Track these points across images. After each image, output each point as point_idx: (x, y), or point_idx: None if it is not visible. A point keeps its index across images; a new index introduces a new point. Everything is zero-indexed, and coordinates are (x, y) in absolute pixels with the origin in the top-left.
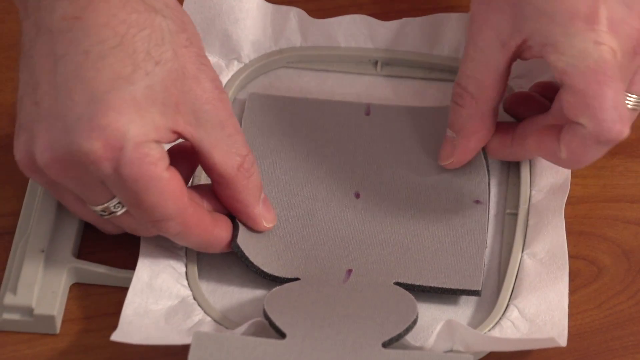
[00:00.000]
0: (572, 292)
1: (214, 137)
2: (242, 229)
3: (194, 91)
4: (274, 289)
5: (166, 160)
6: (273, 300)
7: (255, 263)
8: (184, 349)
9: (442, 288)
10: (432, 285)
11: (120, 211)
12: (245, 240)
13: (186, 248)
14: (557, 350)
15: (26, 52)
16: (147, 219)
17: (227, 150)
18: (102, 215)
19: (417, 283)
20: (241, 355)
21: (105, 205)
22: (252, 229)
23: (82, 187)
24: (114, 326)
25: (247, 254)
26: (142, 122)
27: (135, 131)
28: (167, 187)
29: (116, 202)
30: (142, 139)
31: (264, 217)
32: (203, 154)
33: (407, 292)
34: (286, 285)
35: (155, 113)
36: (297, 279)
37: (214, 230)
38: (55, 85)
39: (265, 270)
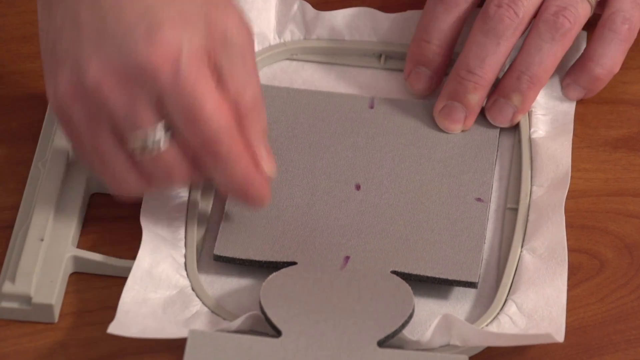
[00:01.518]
0: (574, 285)
1: (235, 66)
2: (219, 236)
3: (227, 19)
4: (270, 277)
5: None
6: (269, 291)
7: (245, 258)
8: (184, 343)
9: (439, 278)
10: (429, 275)
11: (162, 139)
12: (225, 244)
13: (185, 238)
14: (560, 344)
15: None
16: (199, 139)
17: (243, 81)
18: (142, 149)
19: (414, 272)
20: (237, 354)
21: (149, 133)
22: (252, 182)
23: (130, 107)
24: (114, 320)
25: (232, 255)
26: (192, 36)
27: (189, 43)
28: (219, 101)
29: (160, 127)
30: (195, 51)
31: (265, 160)
32: (221, 81)
33: (404, 282)
34: (283, 271)
35: (200, 30)
36: (294, 263)
37: (257, 168)
38: (100, 8)
39: (258, 259)
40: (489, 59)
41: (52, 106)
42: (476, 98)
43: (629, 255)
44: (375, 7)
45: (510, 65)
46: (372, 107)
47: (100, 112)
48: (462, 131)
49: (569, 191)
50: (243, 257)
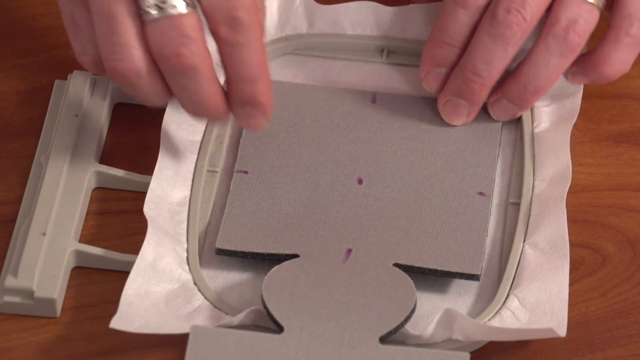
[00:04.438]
0: (576, 280)
1: None
2: (221, 229)
3: None
4: (272, 270)
5: None
6: (271, 286)
7: (247, 250)
8: (186, 337)
9: (441, 270)
10: (431, 267)
11: (181, 3)
12: (227, 238)
13: (187, 233)
14: (562, 338)
15: None
16: (228, 7)
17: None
18: (159, 7)
19: (417, 265)
20: (239, 350)
21: None
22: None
23: None
24: (116, 313)
25: (234, 248)
26: None
27: None
28: None
29: None
30: None
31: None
32: None
33: (406, 276)
34: (285, 264)
35: None
36: (296, 255)
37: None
38: None
39: (260, 251)
40: (495, 63)
41: None
42: (481, 96)
43: (631, 250)
44: (377, 1)
45: (516, 71)
46: (374, 101)
47: None
48: (464, 124)
49: (571, 186)
50: (245, 249)
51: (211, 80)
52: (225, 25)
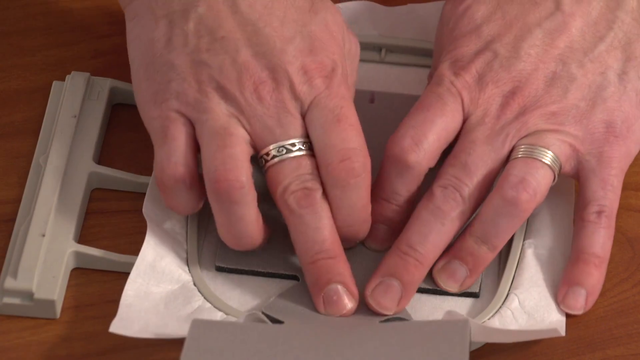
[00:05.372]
0: None
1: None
2: (220, 247)
3: (351, 36)
4: (272, 299)
5: None
6: (272, 305)
7: (247, 268)
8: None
9: (440, 290)
10: (430, 287)
11: (295, 153)
12: (226, 255)
13: (187, 234)
14: (562, 338)
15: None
16: (341, 147)
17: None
18: (275, 156)
19: None
20: (239, 340)
21: (291, 141)
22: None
23: (278, 113)
24: (116, 313)
25: (233, 266)
26: (339, 55)
27: (340, 61)
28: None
29: (301, 140)
30: (343, 68)
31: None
32: None
33: None
34: (284, 291)
35: (339, 47)
36: (295, 276)
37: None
38: (246, 23)
39: (260, 270)
40: (432, 237)
41: (178, 104)
42: (415, 276)
43: (631, 249)
44: (375, 1)
45: (467, 229)
46: (372, 101)
47: (248, 112)
48: (394, 313)
49: (571, 186)
50: (245, 267)
51: (331, 217)
52: (339, 166)
